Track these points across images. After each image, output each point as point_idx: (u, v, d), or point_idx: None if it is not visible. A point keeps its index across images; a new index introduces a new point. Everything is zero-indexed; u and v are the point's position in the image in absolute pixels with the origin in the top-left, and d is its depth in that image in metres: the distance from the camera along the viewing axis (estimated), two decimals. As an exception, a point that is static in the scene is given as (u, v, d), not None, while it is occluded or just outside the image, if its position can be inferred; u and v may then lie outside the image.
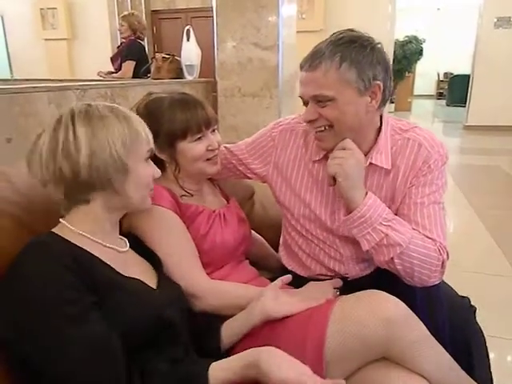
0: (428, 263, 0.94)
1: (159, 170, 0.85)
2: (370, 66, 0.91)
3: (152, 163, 0.83)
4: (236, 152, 1.20)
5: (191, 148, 1.00)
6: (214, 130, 1.05)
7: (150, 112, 0.98)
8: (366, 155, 1.00)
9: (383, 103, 0.97)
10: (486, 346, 1.07)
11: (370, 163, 1.01)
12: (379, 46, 0.95)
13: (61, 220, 0.78)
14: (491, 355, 1.08)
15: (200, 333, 0.86)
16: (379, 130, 1.02)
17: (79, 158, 0.72)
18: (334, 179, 0.97)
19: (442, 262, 0.95)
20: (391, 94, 0.98)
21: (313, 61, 0.92)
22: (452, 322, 0.93)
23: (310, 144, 1.10)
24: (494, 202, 3.71)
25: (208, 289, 0.95)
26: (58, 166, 0.73)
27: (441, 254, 0.95)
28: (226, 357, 0.77)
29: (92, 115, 0.75)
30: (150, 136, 0.82)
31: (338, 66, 0.90)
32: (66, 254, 0.69)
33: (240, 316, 0.90)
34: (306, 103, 0.98)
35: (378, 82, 0.93)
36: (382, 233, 0.94)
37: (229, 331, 0.89)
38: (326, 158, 1.06)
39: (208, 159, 1.03)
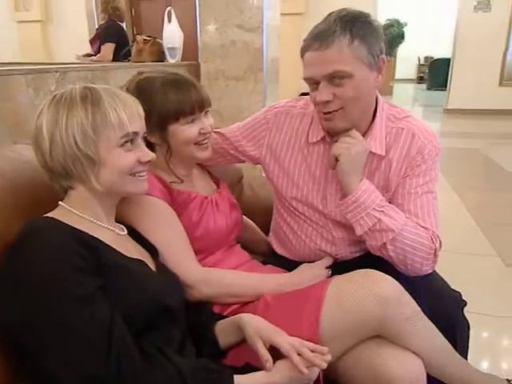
0: (421, 251, 0.95)
1: (152, 154, 0.80)
2: (376, 41, 0.92)
3: (138, 145, 0.78)
4: (228, 135, 1.18)
5: (183, 130, 0.97)
6: (206, 113, 1.01)
7: (141, 92, 0.93)
8: None
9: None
10: (468, 339, 1.10)
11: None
12: (377, 23, 0.95)
13: (60, 203, 0.77)
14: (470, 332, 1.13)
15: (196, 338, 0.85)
16: (373, 113, 1.02)
17: (43, 146, 0.73)
18: (336, 161, 0.97)
19: (435, 251, 0.97)
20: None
21: (323, 39, 0.90)
22: (440, 312, 0.95)
23: (306, 126, 1.09)
24: (473, 184, 3.80)
25: (201, 278, 0.94)
26: (35, 150, 0.75)
27: (433, 243, 0.97)
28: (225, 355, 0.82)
29: (62, 102, 0.73)
30: (133, 119, 0.75)
31: (350, 43, 0.89)
32: (70, 237, 0.68)
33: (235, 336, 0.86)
34: (313, 84, 0.95)
35: (383, 57, 0.94)
36: (376, 218, 0.95)
37: (224, 341, 0.87)
38: (323, 140, 1.06)
39: (199, 143, 1.00)
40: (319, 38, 0.90)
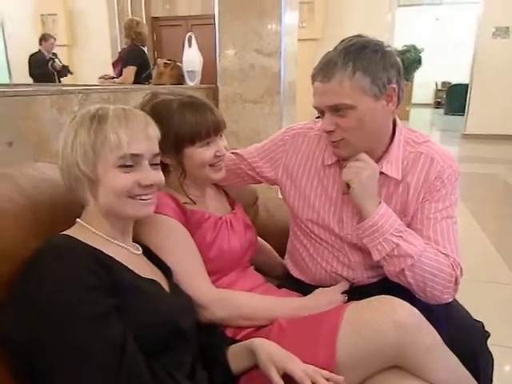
0: (441, 278, 0.92)
1: (159, 178, 0.79)
2: (383, 70, 0.91)
3: (141, 168, 0.75)
4: (245, 156, 1.19)
5: (200, 153, 0.98)
6: (221, 135, 1.02)
7: (158, 114, 0.91)
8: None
9: (397, 105, 0.97)
10: (492, 372, 1.05)
11: (381, 172, 1.00)
12: (389, 49, 0.95)
13: (77, 220, 0.78)
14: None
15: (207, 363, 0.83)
16: (391, 137, 1.02)
17: (59, 165, 0.77)
18: (348, 187, 0.97)
19: (456, 279, 0.94)
20: (403, 94, 0.98)
21: (326, 72, 0.91)
22: (461, 343, 0.91)
23: (323, 149, 1.09)
24: (493, 210, 3.71)
25: (214, 299, 0.92)
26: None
27: (454, 270, 0.94)
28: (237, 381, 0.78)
29: (74, 122, 0.75)
30: (136, 141, 0.74)
31: (351, 76, 0.89)
32: (86, 255, 0.68)
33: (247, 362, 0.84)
34: (321, 112, 0.97)
35: (393, 86, 0.93)
36: (393, 243, 0.93)
37: (236, 366, 0.84)
38: (338, 162, 1.06)
39: (213, 165, 1.00)
40: (323, 70, 0.93)
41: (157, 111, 0.94)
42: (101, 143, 0.73)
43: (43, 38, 5.00)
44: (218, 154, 1.00)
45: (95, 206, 0.76)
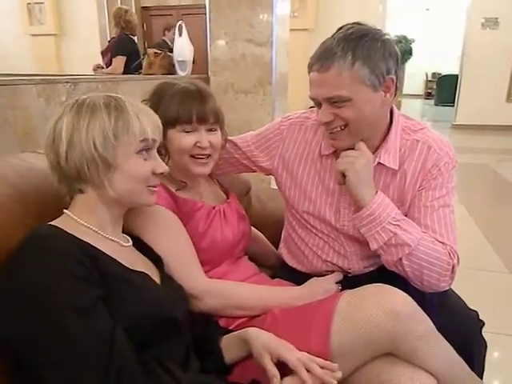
0: (438, 266, 0.92)
1: (166, 166, 0.79)
2: (382, 60, 0.89)
3: (154, 156, 0.78)
4: (240, 144, 1.17)
5: (178, 138, 0.96)
6: (212, 130, 1.00)
7: (154, 93, 0.98)
8: (373, 153, 0.98)
9: (395, 95, 0.95)
10: (484, 359, 1.06)
11: (378, 163, 0.99)
12: (388, 37, 0.93)
13: (65, 211, 0.76)
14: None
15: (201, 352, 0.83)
16: (388, 126, 1.01)
17: (59, 148, 0.72)
18: (343, 177, 0.96)
19: (453, 267, 0.94)
20: (401, 84, 0.97)
21: (324, 61, 0.89)
22: (456, 331, 0.92)
23: (320, 139, 1.08)
24: (483, 200, 3.76)
25: (207, 289, 0.92)
26: (47, 152, 0.75)
27: (451, 258, 0.94)
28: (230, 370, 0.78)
29: (85, 106, 0.73)
30: (152, 126, 0.77)
31: (350, 66, 0.87)
32: (72, 246, 0.66)
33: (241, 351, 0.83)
34: (318, 104, 0.95)
35: (391, 76, 0.91)
36: (391, 232, 0.93)
37: (229, 356, 0.84)
38: (335, 152, 1.05)
39: (194, 157, 0.98)
40: (320, 59, 0.90)
41: (154, 90, 0.99)
42: (123, 128, 0.73)
43: (166, 28, 5.01)
44: (198, 144, 0.97)
45: (99, 192, 0.74)
